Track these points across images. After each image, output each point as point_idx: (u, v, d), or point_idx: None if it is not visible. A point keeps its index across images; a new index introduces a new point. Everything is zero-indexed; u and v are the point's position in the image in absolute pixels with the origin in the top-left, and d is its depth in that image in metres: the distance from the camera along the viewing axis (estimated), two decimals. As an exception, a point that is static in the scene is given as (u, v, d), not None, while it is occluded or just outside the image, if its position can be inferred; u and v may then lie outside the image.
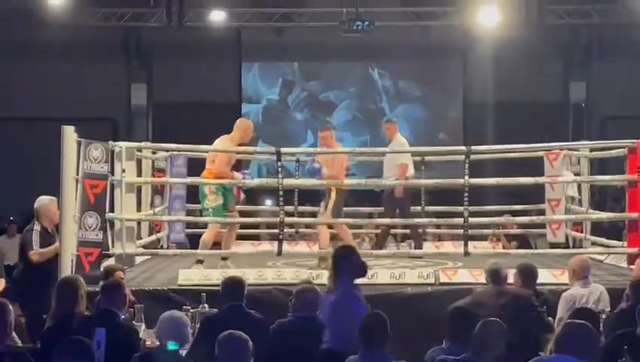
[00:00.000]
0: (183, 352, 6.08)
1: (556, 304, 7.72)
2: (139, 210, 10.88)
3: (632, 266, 9.34)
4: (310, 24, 18.14)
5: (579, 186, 11.72)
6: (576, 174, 11.67)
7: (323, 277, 8.77)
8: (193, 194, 10.69)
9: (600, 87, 18.79)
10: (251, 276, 8.90)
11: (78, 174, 9.19)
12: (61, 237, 8.98)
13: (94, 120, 17.18)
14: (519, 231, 12.45)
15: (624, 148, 10.15)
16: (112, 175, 9.67)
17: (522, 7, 17.56)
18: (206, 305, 7.48)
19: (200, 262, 9.94)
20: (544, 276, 8.65)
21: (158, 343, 6.20)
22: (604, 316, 7.24)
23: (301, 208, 12.02)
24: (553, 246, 11.17)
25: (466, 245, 9.81)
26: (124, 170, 9.80)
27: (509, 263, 8.36)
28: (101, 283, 7.19)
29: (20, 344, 6.38)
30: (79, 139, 9.25)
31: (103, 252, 9.41)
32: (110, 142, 9.78)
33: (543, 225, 11.62)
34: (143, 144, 11.40)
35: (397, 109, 19.51)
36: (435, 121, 19.61)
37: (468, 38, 18.18)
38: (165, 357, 5.76)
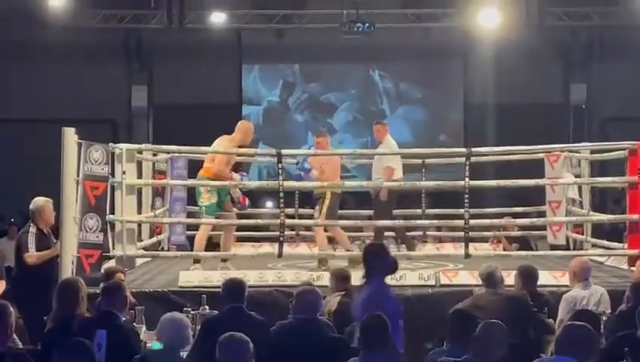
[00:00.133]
0: (184, 354, 6.08)
1: (557, 306, 7.73)
2: (139, 211, 10.88)
3: (632, 268, 9.34)
4: (311, 26, 18.14)
5: (579, 188, 11.72)
6: (577, 176, 11.66)
7: (323, 278, 8.79)
8: (194, 196, 10.70)
9: (600, 89, 18.78)
10: (252, 278, 8.91)
11: (78, 176, 9.20)
12: (62, 238, 8.99)
13: (95, 121, 17.16)
14: (520, 233, 12.45)
15: (624, 149, 10.15)
16: (113, 177, 9.67)
17: (523, 9, 17.56)
18: (207, 307, 7.49)
19: (197, 261, 9.94)
20: (545, 278, 8.66)
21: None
22: (604, 318, 7.25)
23: (302, 210, 12.05)
24: (554, 248, 11.17)
25: (466, 247, 9.81)
26: (124, 172, 9.81)
27: (509, 265, 8.38)
28: (102, 285, 7.19)
29: (20, 345, 6.38)
30: (80, 140, 9.25)
31: (104, 254, 9.41)
32: (111, 143, 9.79)
33: (543, 227, 11.62)
34: (143, 146, 11.40)
35: (398, 111, 19.52)
36: (436, 122, 19.61)
37: (468, 39, 18.18)
38: (165, 359, 5.77)
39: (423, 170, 12.11)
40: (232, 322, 6.18)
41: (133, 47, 19.13)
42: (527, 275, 7.84)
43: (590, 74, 19.03)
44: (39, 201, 8.93)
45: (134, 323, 7.08)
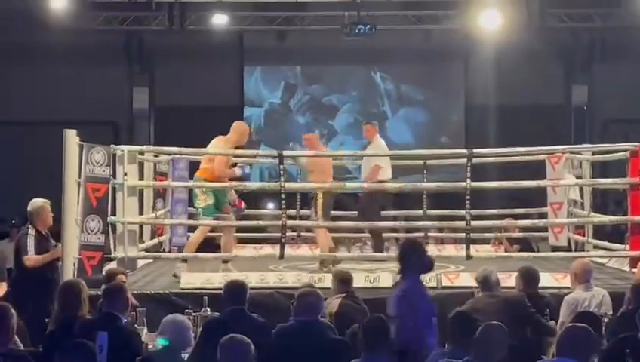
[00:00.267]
0: (185, 356, 6.08)
1: (558, 307, 7.73)
2: (141, 213, 10.88)
3: (634, 269, 9.34)
4: (312, 28, 18.13)
5: (581, 189, 11.72)
6: (578, 177, 11.66)
7: (325, 280, 8.79)
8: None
9: (602, 91, 18.77)
10: (253, 279, 8.92)
11: (80, 177, 9.20)
12: (63, 240, 8.99)
13: (96, 123, 17.17)
14: (521, 234, 12.44)
15: (626, 151, 10.15)
16: (114, 178, 9.68)
17: (524, 11, 17.54)
18: (208, 309, 7.49)
19: (184, 261, 9.94)
20: (546, 279, 8.66)
21: (160, 347, 6.20)
22: (606, 320, 7.24)
23: (303, 211, 12.05)
24: (555, 249, 11.17)
25: (468, 248, 9.81)
26: (126, 174, 9.82)
27: (511, 266, 8.38)
28: (103, 286, 7.19)
29: (22, 347, 6.38)
30: (81, 142, 9.26)
31: (105, 255, 9.42)
32: (112, 145, 9.80)
33: (545, 229, 11.63)
34: (144, 147, 11.41)
35: (399, 113, 19.52)
36: (437, 124, 19.61)
37: (470, 41, 18.17)
38: (167, 361, 5.77)
39: (425, 172, 12.11)
40: (233, 324, 6.18)
41: (135, 48, 19.13)
42: (529, 277, 7.84)
43: (592, 75, 19.03)
44: (37, 203, 8.89)
45: (136, 325, 7.08)
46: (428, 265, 6.88)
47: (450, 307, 6.95)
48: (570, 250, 11.39)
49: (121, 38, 18.90)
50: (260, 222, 11.94)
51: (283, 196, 9.84)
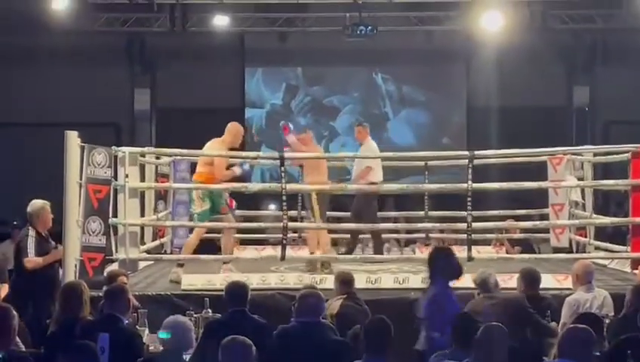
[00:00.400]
0: (187, 357, 6.09)
1: (559, 309, 7.72)
2: (142, 215, 10.89)
3: (635, 271, 9.35)
4: (313, 29, 18.13)
5: (582, 191, 11.72)
6: (580, 179, 11.67)
7: (326, 281, 8.79)
8: (195, 199, 10.69)
9: (604, 92, 18.76)
10: (254, 280, 8.92)
11: (81, 179, 9.21)
12: (64, 242, 9.00)
13: (97, 125, 17.17)
14: (523, 235, 12.44)
15: (628, 152, 10.15)
16: (116, 180, 9.69)
17: (526, 12, 17.53)
18: (209, 310, 7.49)
19: (180, 265, 9.94)
20: (547, 281, 8.67)
21: (161, 348, 6.21)
22: (607, 321, 7.24)
23: (304, 213, 12.03)
24: (557, 250, 11.18)
25: (469, 250, 9.81)
26: (127, 175, 9.81)
27: (512, 268, 8.37)
28: (104, 288, 7.19)
29: (23, 349, 6.38)
30: (82, 144, 9.26)
31: (107, 257, 9.42)
32: (113, 147, 9.79)
33: (546, 230, 11.63)
34: (146, 149, 11.41)
35: (400, 114, 19.51)
36: (439, 125, 19.60)
37: (471, 42, 18.16)
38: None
39: (426, 173, 12.10)
40: (234, 325, 6.18)
41: (136, 50, 19.13)
42: (530, 278, 7.84)
43: (593, 77, 19.01)
44: (37, 204, 8.87)
45: (137, 327, 7.09)
46: (457, 270, 6.96)
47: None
48: (571, 252, 11.40)
49: (122, 40, 18.90)
50: (262, 224, 11.95)
51: (284, 198, 9.84)
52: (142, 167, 10.81)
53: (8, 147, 18.17)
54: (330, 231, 11.14)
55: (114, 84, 18.80)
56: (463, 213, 9.94)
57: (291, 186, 10.42)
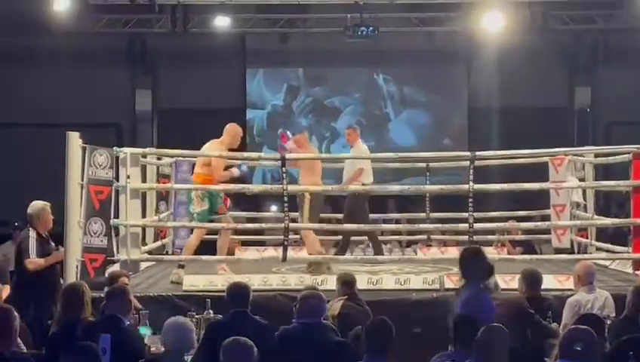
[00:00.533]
0: (188, 358, 6.09)
1: (561, 310, 7.72)
2: (144, 216, 10.89)
3: (637, 272, 9.35)
4: (315, 30, 18.13)
5: (584, 192, 11.72)
6: (581, 180, 11.67)
7: (327, 282, 8.79)
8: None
9: (605, 93, 18.75)
10: (256, 282, 8.92)
11: (82, 180, 9.21)
12: (66, 243, 9.00)
13: (99, 126, 17.17)
14: (524, 236, 12.44)
15: (629, 153, 10.14)
16: (117, 181, 9.69)
17: (527, 13, 17.53)
18: (211, 311, 7.49)
19: (182, 266, 9.94)
20: (549, 282, 8.66)
21: (163, 349, 6.21)
22: (609, 322, 7.24)
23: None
24: (558, 251, 11.18)
25: (470, 250, 9.79)
26: (128, 176, 9.82)
27: (513, 269, 8.37)
28: (106, 289, 7.20)
29: (24, 350, 6.39)
30: (84, 145, 9.27)
31: (108, 258, 9.42)
32: (115, 148, 9.80)
33: (547, 231, 11.63)
34: (147, 150, 11.41)
35: (402, 115, 19.51)
36: (440, 126, 19.60)
37: (472, 43, 18.16)
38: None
39: (428, 174, 12.11)
40: (236, 326, 6.18)
41: (138, 51, 19.13)
42: (531, 279, 7.84)
43: (594, 77, 19.01)
44: (37, 205, 8.87)
45: (138, 327, 7.09)
46: (488, 270, 6.94)
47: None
48: (573, 252, 11.40)
49: (123, 41, 18.90)
50: (263, 225, 11.94)
51: (285, 199, 9.84)
52: (143, 168, 10.81)
53: (9, 148, 18.17)
54: (327, 233, 11.14)
55: (115, 85, 18.80)
56: (465, 214, 9.95)
57: (293, 187, 10.42)
